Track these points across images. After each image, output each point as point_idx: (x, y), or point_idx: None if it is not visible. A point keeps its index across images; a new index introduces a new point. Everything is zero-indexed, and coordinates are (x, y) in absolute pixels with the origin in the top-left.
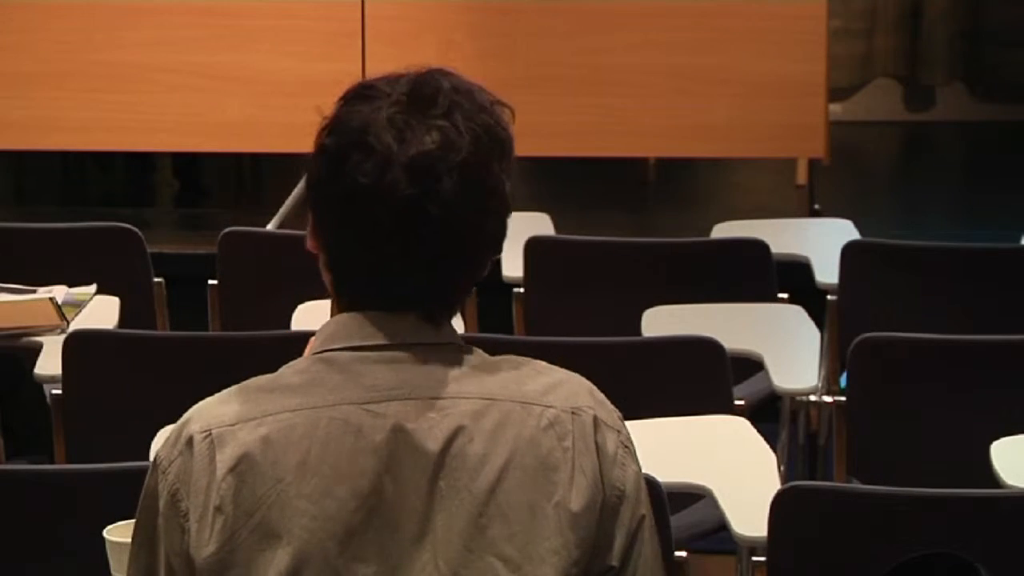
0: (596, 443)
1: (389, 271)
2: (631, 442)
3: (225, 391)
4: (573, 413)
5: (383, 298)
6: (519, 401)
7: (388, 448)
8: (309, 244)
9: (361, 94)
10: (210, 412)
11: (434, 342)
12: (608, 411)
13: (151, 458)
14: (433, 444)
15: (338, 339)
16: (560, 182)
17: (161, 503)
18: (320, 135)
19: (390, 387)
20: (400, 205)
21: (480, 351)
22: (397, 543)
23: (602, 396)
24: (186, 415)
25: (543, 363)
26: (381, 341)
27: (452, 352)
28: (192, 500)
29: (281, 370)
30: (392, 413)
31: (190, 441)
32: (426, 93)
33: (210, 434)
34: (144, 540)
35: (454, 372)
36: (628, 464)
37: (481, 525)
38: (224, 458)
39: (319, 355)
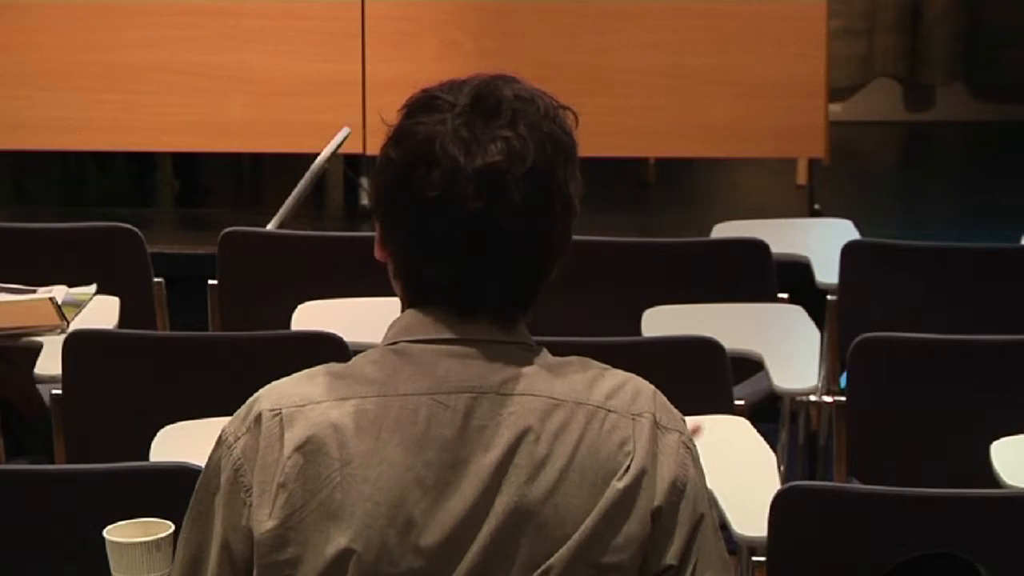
0: (656, 446)
1: (460, 282)
2: (693, 444)
3: (298, 374)
4: (634, 417)
5: (455, 306)
6: (584, 404)
7: (454, 441)
8: (377, 254)
9: (425, 105)
10: (281, 391)
11: (505, 340)
12: (670, 414)
13: (151, 457)
14: (499, 440)
15: (411, 332)
16: None
17: (223, 478)
18: (385, 146)
19: (460, 380)
20: (469, 217)
21: (547, 352)
22: (456, 535)
23: (663, 399)
24: (256, 394)
25: (605, 365)
26: (453, 336)
27: (522, 351)
28: (256, 475)
29: (355, 359)
30: (461, 407)
31: (259, 418)
32: (489, 103)
33: (280, 412)
34: (198, 515)
35: (523, 370)
36: (688, 464)
37: (537, 525)
38: (292, 436)
39: (391, 346)
